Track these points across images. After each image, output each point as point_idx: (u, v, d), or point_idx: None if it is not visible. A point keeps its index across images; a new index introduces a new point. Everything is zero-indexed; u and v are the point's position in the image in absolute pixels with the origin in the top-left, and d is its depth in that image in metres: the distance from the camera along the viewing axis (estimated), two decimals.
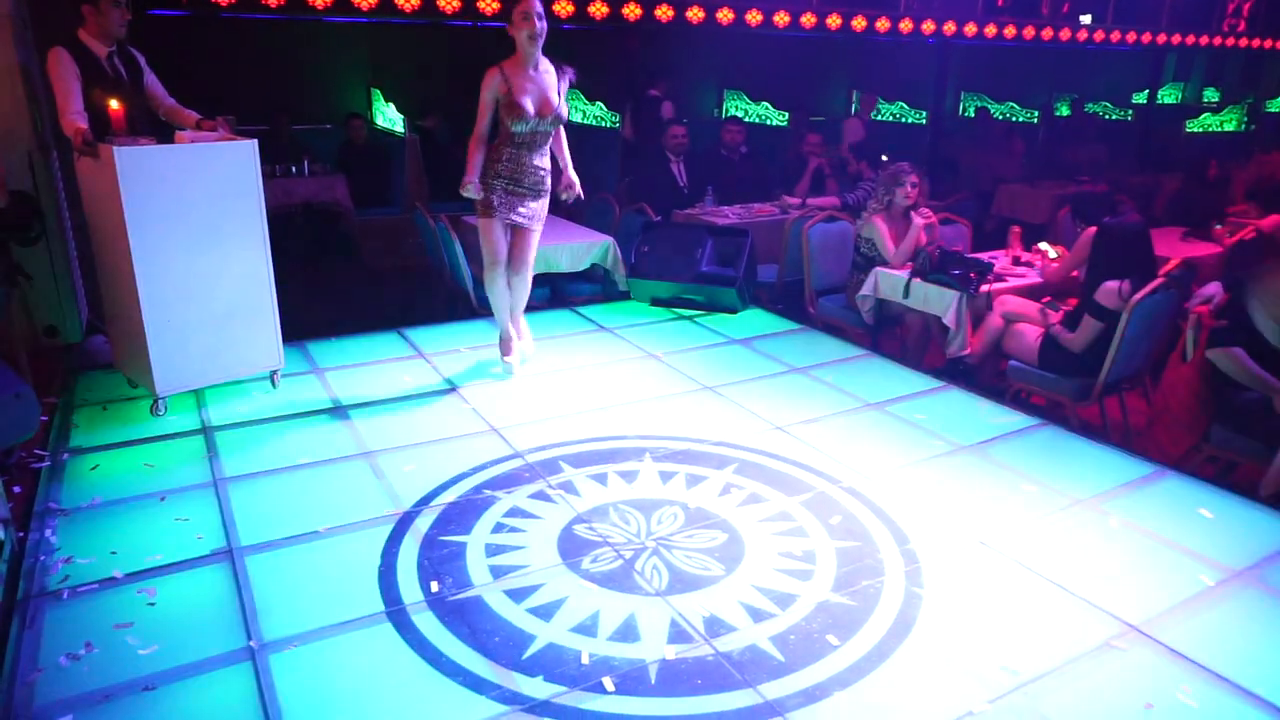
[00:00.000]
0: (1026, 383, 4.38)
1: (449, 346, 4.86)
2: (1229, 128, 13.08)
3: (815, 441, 3.75)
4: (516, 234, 4.28)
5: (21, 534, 2.93)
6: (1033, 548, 2.99)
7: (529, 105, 4.01)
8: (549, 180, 4.28)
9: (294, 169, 7.20)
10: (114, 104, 3.60)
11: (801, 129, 8.69)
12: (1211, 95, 14.61)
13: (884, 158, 9.10)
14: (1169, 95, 14.46)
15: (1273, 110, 13.96)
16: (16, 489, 3.17)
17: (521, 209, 4.21)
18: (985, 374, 4.68)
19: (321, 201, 7.24)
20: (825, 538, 3.03)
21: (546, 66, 4.12)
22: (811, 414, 4.02)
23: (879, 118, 11.97)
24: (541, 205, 4.29)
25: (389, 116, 9.42)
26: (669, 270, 5.63)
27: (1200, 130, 12.91)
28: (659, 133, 7.19)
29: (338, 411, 3.99)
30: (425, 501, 3.21)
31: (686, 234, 5.79)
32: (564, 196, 4.35)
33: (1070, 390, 4.19)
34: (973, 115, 12.13)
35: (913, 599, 2.70)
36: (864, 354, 4.88)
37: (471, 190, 4.09)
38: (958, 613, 2.64)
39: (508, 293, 4.39)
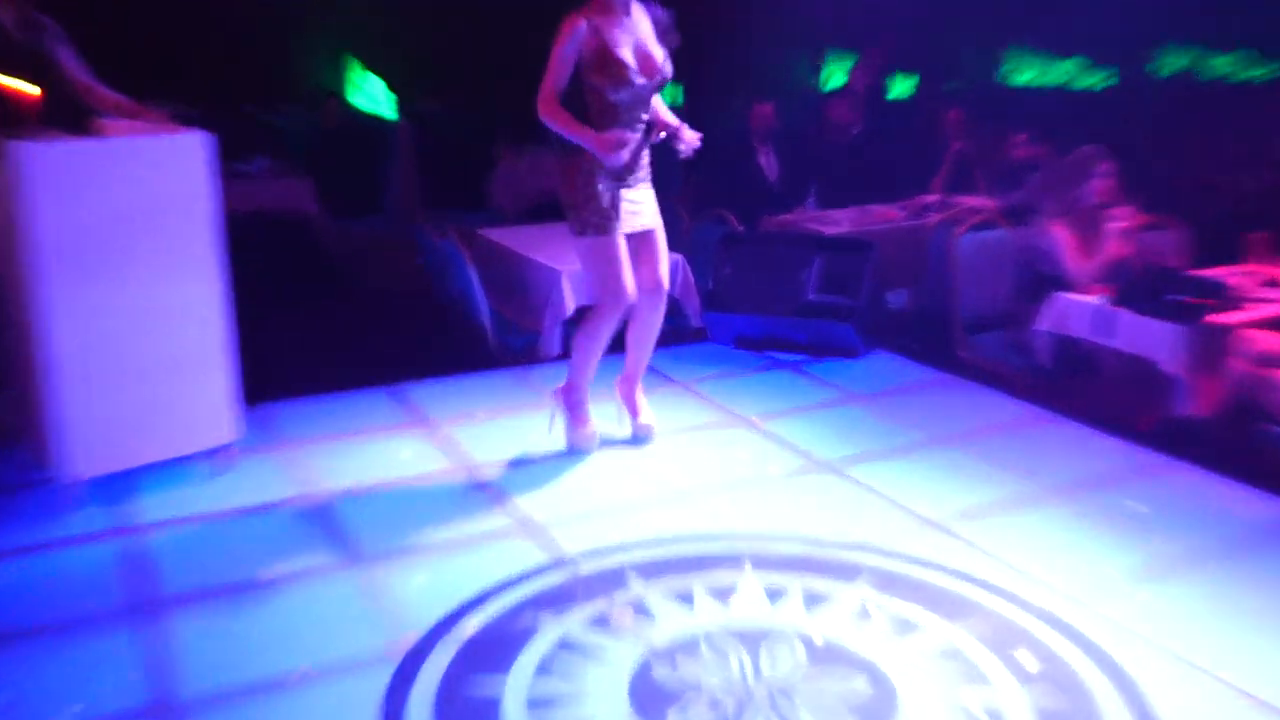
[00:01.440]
0: None
1: (461, 409, 4.91)
2: None
3: (986, 544, 3.65)
4: (641, 243, 4.32)
5: None
6: None
7: (632, 62, 4.04)
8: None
9: (242, 166, 7.33)
10: (18, 85, 3.68)
11: (935, 101, 8.66)
12: None
13: None
14: None
15: None
16: None
17: (640, 207, 4.27)
18: (1228, 442, 4.51)
19: (282, 210, 7.36)
20: (1015, 687, 2.90)
21: (639, 12, 4.15)
22: (976, 502, 3.96)
23: (1030, 82, 11.85)
24: (653, 195, 4.36)
25: (372, 95, 9.59)
26: (760, 299, 5.65)
27: None
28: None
29: (315, 502, 4.02)
30: (441, 631, 3.17)
31: (783, 249, 5.84)
32: (681, 148, 4.25)
33: None
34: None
35: None
36: (1042, 414, 4.82)
37: (619, 147, 4.03)
38: None
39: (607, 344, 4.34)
